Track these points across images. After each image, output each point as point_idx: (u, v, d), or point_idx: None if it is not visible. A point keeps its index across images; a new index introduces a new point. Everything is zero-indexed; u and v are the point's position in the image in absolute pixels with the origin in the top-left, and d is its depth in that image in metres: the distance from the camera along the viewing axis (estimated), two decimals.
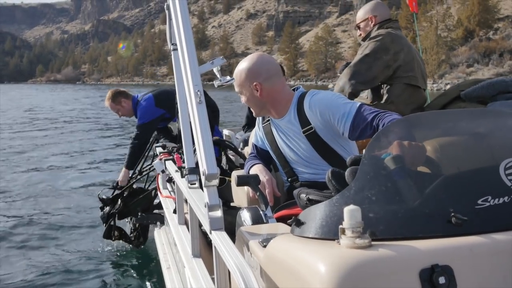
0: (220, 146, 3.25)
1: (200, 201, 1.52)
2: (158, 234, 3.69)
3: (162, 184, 3.44)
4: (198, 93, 1.47)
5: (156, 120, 4.35)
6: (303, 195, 1.69)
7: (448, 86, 51.50)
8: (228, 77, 2.88)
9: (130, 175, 4.43)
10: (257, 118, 2.16)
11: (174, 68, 2.28)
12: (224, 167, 3.12)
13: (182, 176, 2.01)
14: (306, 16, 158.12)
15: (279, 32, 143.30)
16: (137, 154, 4.36)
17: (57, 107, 31.96)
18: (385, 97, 2.87)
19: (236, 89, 1.98)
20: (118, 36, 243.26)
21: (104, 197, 4.44)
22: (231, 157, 3.31)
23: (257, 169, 2.00)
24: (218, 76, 3.29)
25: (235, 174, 2.04)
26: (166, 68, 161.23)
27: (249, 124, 4.69)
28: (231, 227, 1.47)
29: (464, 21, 66.47)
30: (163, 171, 3.27)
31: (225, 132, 5.08)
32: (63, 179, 8.48)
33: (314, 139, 1.88)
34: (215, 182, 1.35)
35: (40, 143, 13.52)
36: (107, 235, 4.46)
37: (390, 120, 1.64)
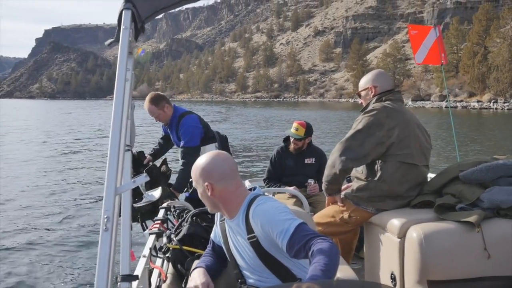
0: (213, 215, 3.00)
1: None
2: None
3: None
4: (105, 219, 1.33)
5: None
6: None
7: None
8: (155, 194, 2.72)
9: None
10: (216, 214, 2.16)
11: None
12: None
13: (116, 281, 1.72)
14: (374, 32, 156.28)
15: (346, 49, 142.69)
16: (189, 178, 4.07)
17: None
18: (378, 175, 2.71)
19: (193, 183, 2.00)
20: (190, 54, 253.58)
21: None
22: None
23: (196, 274, 1.97)
24: (143, 192, 3.18)
25: None
26: (235, 85, 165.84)
27: (270, 178, 4.52)
28: None
29: None
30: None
31: (246, 183, 4.52)
32: None
33: (257, 247, 1.86)
34: None
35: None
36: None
37: (318, 248, 1.62)
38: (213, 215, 3.16)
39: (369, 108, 2.79)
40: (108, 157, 1.46)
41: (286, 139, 4.61)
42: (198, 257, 2.73)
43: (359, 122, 2.75)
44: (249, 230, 1.87)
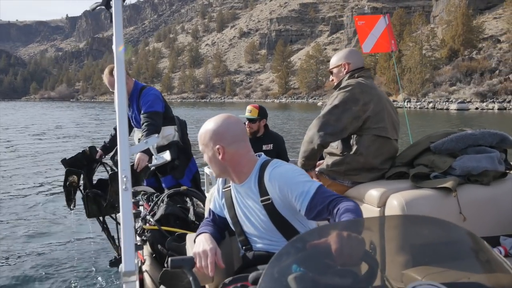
0: (188, 196, 3.10)
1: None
2: None
3: None
4: (125, 179, 1.37)
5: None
6: None
7: (430, 105, 53.33)
8: (165, 156, 2.66)
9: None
10: (217, 183, 2.10)
11: None
12: (192, 218, 2.95)
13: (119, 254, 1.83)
14: (298, 35, 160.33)
15: (271, 51, 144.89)
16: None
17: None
18: (354, 148, 2.78)
19: (200, 147, 1.92)
20: (112, 54, 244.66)
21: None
22: (200, 209, 3.11)
23: (203, 238, 1.93)
24: (154, 154, 3.15)
25: (170, 258, 1.84)
26: (160, 86, 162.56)
27: None
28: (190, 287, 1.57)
29: (448, 41, 68.34)
30: None
31: (206, 171, 4.70)
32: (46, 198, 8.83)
33: (271, 210, 1.84)
34: (134, 278, 1.30)
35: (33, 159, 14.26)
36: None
37: (345, 207, 1.65)
38: (182, 196, 3.13)
39: (343, 84, 2.85)
40: (118, 121, 1.50)
41: None
42: (179, 236, 2.66)
43: (335, 97, 2.80)
44: (263, 192, 1.85)
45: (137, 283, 1.33)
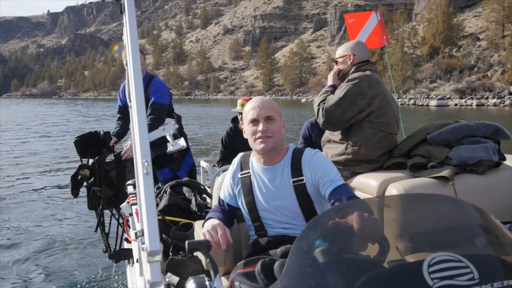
0: (190, 187, 3.16)
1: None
2: (130, 272, 3.43)
3: (131, 227, 2.95)
4: (146, 163, 1.38)
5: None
6: (236, 283, 1.68)
7: (411, 101, 54.00)
8: (181, 142, 2.65)
9: None
10: (232, 170, 2.17)
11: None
12: (194, 208, 3.00)
13: (136, 237, 1.89)
14: (282, 31, 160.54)
15: (255, 47, 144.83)
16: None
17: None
18: (354, 139, 2.84)
19: (270, 113, 2.00)
20: (95, 50, 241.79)
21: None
22: (200, 200, 3.18)
23: (210, 222, 1.98)
24: (170, 140, 3.20)
25: (187, 241, 1.82)
26: None
27: (223, 159, 4.52)
28: (196, 274, 1.59)
29: (429, 39, 69.19)
30: (130, 214, 2.93)
31: (202, 164, 4.75)
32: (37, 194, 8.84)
33: (301, 191, 1.95)
34: (158, 258, 1.31)
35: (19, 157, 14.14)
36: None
37: None
38: (182, 187, 3.18)
39: (350, 76, 2.88)
40: (136, 109, 1.52)
41: (234, 119, 4.63)
42: (183, 226, 2.71)
43: (342, 89, 2.84)
44: (296, 174, 1.99)
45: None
